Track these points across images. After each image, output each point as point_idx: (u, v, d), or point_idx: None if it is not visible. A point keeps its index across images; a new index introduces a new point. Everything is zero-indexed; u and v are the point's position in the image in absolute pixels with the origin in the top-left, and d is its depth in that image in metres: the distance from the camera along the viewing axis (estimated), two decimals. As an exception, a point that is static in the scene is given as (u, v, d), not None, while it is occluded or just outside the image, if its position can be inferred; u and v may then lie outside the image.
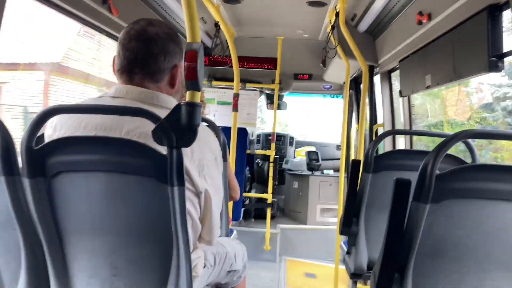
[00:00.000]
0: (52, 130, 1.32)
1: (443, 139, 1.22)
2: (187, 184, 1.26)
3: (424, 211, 1.15)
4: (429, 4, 2.47)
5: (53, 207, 1.20)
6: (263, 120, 8.97)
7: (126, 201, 1.20)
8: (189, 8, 1.10)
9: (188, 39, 1.10)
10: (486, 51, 1.82)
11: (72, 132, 1.28)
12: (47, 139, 1.33)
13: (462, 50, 2.10)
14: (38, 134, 1.18)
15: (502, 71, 1.81)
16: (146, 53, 1.34)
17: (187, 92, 1.12)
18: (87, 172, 1.19)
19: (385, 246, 1.23)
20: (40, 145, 1.17)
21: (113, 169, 1.17)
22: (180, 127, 1.10)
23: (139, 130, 1.23)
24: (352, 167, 2.26)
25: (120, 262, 1.23)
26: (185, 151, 1.23)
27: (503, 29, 1.84)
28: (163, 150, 1.13)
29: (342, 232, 2.17)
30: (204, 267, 1.53)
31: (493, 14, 1.79)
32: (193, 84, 1.10)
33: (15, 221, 1.22)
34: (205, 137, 1.38)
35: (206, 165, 1.33)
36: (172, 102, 1.37)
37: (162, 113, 1.14)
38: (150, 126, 1.14)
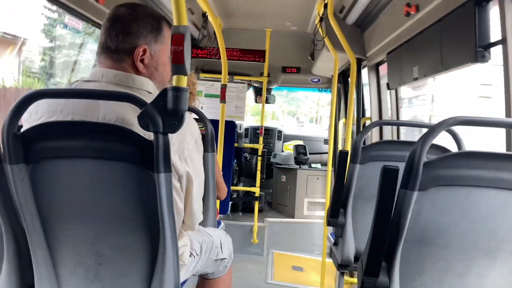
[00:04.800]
0: (28, 115, 1.30)
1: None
2: None
3: (411, 199, 1.15)
4: None
5: (37, 194, 1.18)
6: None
7: (111, 188, 1.18)
8: None
9: (174, 22, 1.08)
10: (473, 42, 1.82)
11: (48, 117, 1.26)
12: (24, 123, 1.30)
13: (449, 41, 2.11)
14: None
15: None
16: (108, 33, 1.34)
17: (174, 77, 1.10)
18: (71, 158, 1.16)
19: (373, 234, 1.23)
20: (23, 130, 1.15)
21: (98, 155, 1.15)
22: (167, 112, 1.08)
23: (115, 114, 1.21)
24: (340, 158, 2.25)
25: (105, 251, 1.21)
26: None
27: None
28: (148, 136, 1.11)
29: (329, 223, 2.16)
30: (190, 255, 1.52)
31: (480, 4, 1.80)
32: (179, 68, 1.09)
33: None
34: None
35: (186, 148, 1.32)
36: (148, 84, 1.36)
37: (140, 96, 1.12)
38: (127, 110, 1.11)
